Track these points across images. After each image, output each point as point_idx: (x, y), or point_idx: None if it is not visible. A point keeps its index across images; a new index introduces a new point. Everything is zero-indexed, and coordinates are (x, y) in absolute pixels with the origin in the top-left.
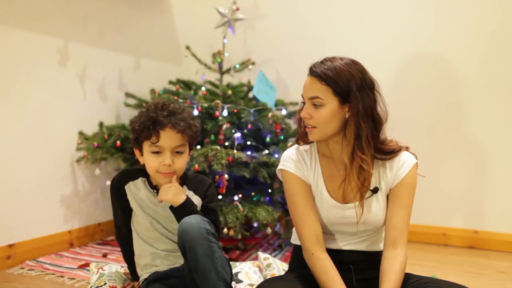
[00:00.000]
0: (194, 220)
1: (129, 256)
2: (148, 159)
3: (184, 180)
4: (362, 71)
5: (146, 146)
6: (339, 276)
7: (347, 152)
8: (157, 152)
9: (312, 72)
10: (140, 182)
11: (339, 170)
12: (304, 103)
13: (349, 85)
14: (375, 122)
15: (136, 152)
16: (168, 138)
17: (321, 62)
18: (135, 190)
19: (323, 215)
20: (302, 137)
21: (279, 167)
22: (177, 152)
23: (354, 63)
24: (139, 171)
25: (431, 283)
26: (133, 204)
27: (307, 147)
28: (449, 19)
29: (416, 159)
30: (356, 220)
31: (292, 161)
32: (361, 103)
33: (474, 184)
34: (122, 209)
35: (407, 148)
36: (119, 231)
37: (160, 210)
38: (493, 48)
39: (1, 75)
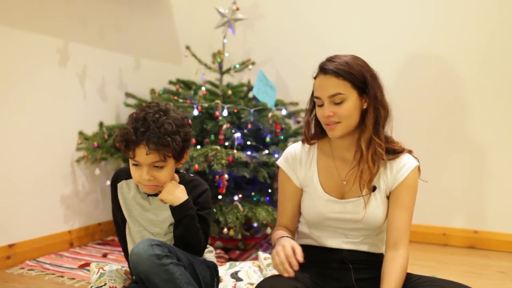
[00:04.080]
0: (142, 249)
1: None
2: (131, 169)
3: (180, 182)
4: (367, 63)
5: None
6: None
7: (365, 139)
8: (137, 165)
9: (326, 70)
10: (132, 182)
11: (338, 167)
12: (316, 104)
13: (364, 75)
14: (385, 110)
15: None
16: (142, 155)
17: (329, 60)
18: (126, 189)
19: (316, 210)
20: (308, 139)
21: (277, 161)
22: (156, 167)
23: (358, 57)
24: None
25: (431, 282)
26: (121, 203)
27: (308, 146)
28: (448, 19)
29: (419, 162)
30: (352, 217)
31: (287, 159)
32: (377, 90)
33: (474, 184)
34: (116, 206)
35: (410, 152)
36: (118, 228)
37: (145, 213)
38: (492, 47)
39: (1, 75)
